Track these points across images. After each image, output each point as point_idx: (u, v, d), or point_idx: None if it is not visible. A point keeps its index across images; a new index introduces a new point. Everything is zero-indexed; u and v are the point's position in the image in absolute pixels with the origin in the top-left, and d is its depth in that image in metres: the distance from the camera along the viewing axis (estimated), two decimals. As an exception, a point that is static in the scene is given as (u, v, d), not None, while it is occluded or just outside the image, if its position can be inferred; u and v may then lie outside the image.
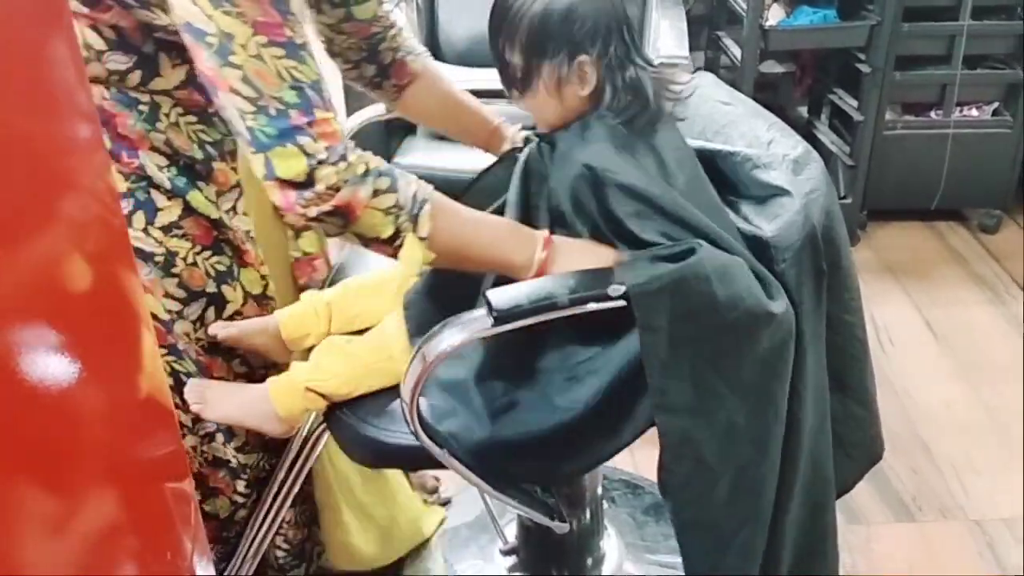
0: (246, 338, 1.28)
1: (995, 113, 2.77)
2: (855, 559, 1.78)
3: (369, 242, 1.07)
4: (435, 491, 1.87)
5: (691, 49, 2.38)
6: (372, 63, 1.40)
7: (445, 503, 1.85)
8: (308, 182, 1.00)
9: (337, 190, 1.01)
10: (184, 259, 1.25)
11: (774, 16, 2.70)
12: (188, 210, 1.24)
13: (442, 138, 2.33)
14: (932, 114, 2.77)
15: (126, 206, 1.21)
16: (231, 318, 1.31)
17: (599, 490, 1.55)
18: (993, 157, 2.77)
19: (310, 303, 1.33)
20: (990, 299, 2.56)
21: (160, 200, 1.22)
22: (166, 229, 1.23)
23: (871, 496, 1.90)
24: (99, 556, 0.70)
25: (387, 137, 2.43)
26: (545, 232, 1.14)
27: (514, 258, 1.12)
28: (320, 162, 1.00)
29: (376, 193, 1.04)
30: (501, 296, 1.02)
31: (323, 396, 1.20)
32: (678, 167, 1.14)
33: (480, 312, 1.04)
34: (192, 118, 1.22)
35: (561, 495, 1.42)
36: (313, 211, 1.02)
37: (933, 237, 2.87)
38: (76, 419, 0.68)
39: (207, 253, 1.27)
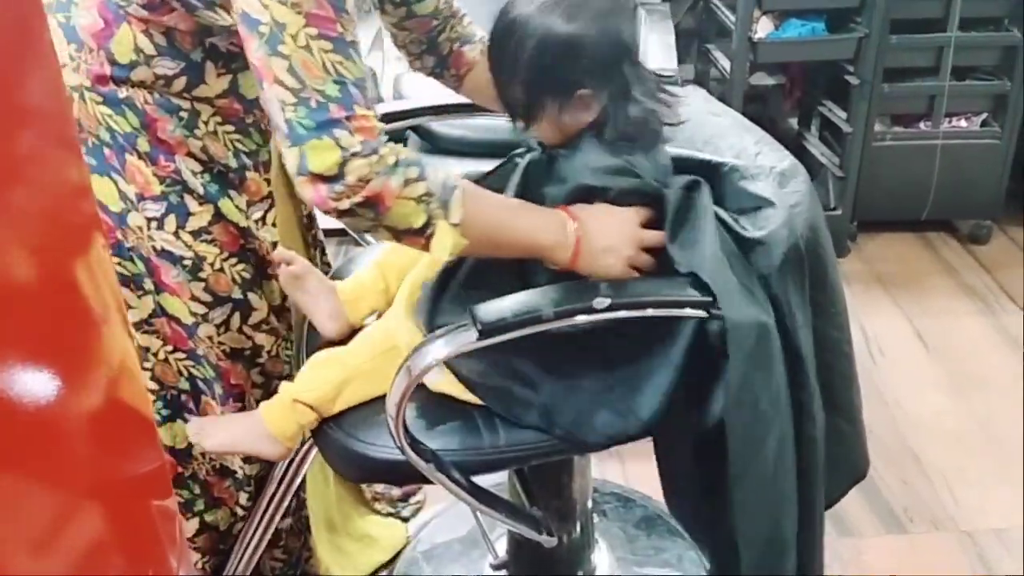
0: (305, 280, 1.28)
1: (984, 124, 2.78)
2: (846, 570, 1.78)
3: (401, 235, 1.06)
4: (408, 496, 1.87)
5: (680, 62, 2.39)
6: (432, 55, 1.42)
7: (414, 512, 1.84)
8: (339, 175, 1.00)
9: (368, 181, 1.01)
10: (211, 264, 1.28)
11: (763, 29, 2.71)
12: (218, 216, 1.27)
13: (431, 151, 2.34)
14: (921, 125, 2.78)
15: (159, 209, 1.25)
16: (256, 326, 1.34)
17: (589, 503, 1.55)
18: (982, 168, 2.78)
19: (362, 270, 1.34)
20: (980, 310, 2.57)
21: (192, 205, 1.26)
22: (196, 234, 1.26)
23: (861, 508, 1.90)
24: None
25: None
26: (562, 208, 1.14)
27: (548, 236, 1.12)
28: (353, 155, 1.00)
29: (407, 183, 1.03)
30: (486, 310, 1.03)
31: (311, 407, 1.19)
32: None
33: (465, 326, 1.04)
34: (230, 127, 1.25)
35: (551, 508, 1.42)
36: (344, 204, 1.01)
37: (923, 248, 2.87)
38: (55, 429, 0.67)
39: (233, 260, 1.30)
